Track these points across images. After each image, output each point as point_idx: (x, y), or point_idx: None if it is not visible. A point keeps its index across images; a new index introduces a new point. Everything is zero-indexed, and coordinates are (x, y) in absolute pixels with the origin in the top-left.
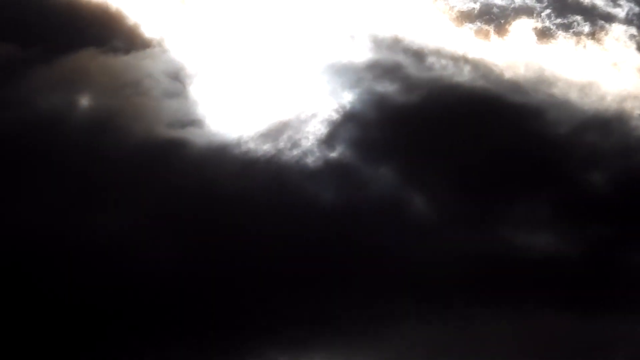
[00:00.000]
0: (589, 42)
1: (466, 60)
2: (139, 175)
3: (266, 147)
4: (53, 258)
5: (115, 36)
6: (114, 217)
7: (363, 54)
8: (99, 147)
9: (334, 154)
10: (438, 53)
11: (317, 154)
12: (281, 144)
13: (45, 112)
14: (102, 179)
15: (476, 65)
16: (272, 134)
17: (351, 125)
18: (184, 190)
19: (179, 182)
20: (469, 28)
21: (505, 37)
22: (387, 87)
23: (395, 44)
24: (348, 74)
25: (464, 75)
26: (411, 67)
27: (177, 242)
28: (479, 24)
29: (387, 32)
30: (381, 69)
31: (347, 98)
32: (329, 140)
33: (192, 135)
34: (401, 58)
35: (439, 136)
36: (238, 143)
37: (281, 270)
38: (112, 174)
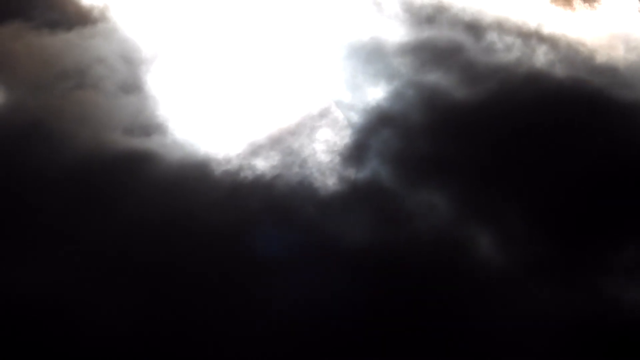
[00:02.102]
0: None
1: (540, 37)
2: (83, 203)
3: (262, 164)
4: None
5: (50, 6)
6: (46, 263)
7: (395, 30)
8: (25, 163)
9: (361, 175)
10: (500, 27)
11: (337, 174)
12: (284, 160)
13: None
14: (30, 207)
15: (555, 44)
16: (271, 145)
17: (386, 133)
18: (147, 224)
19: (139, 211)
20: None
21: (596, 5)
22: (435, 79)
23: (440, 15)
24: (378, 59)
25: (538, 59)
26: (465, 49)
27: (137, 297)
28: None
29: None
30: (423, 52)
31: (379, 94)
32: (353, 155)
33: (158, 145)
34: (449, 36)
35: (511, 149)
36: (223, 158)
37: (287, 343)
38: (43, 200)
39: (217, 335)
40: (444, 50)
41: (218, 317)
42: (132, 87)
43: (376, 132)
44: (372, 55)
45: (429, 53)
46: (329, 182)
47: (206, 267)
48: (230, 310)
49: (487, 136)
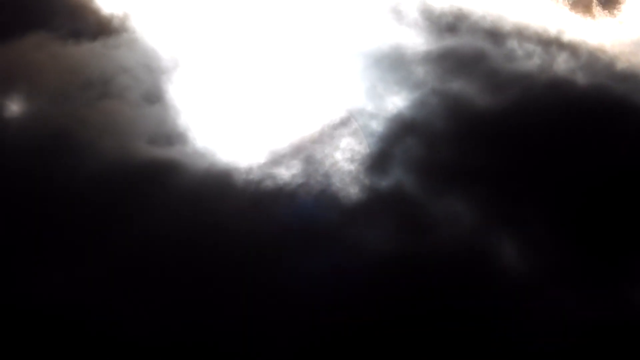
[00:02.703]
0: None
1: (561, 44)
2: (107, 212)
3: (285, 174)
4: None
5: (74, 16)
6: (70, 272)
7: (415, 38)
8: (50, 172)
9: (385, 183)
10: (520, 34)
11: (360, 182)
12: (307, 169)
13: None
14: (55, 217)
15: (575, 51)
16: (294, 154)
17: (409, 142)
18: (171, 233)
19: (163, 220)
20: None
21: (615, 12)
22: (458, 87)
23: (460, 23)
24: (400, 68)
25: (559, 66)
26: (487, 57)
27: (162, 306)
28: None
29: (445, 5)
30: (445, 60)
31: (401, 103)
32: (377, 164)
33: (182, 155)
34: (470, 44)
35: (534, 156)
36: (246, 167)
37: (312, 349)
38: (68, 210)
39: (243, 344)
40: (465, 58)
41: (243, 326)
42: (156, 96)
43: (399, 141)
44: (395, 64)
45: (451, 61)
46: (352, 190)
47: (231, 277)
48: (255, 319)
49: (510, 144)
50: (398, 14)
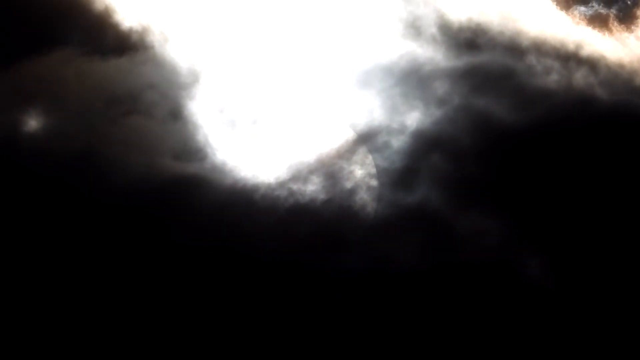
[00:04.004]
0: None
1: (579, 59)
2: (134, 228)
3: (311, 189)
4: None
5: (101, 32)
6: (97, 288)
7: (437, 54)
8: (77, 188)
9: (411, 199)
10: (538, 49)
11: (387, 198)
12: (331, 186)
13: None
14: (81, 232)
15: (595, 66)
16: (319, 170)
17: (437, 157)
18: (197, 249)
19: (189, 236)
20: (581, 13)
21: (634, 27)
22: (483, 103)
23: (478, 38)
24: (425, 83)
25: (579, 81)
26: (512, 73)
27: (188, 320)
28: (594, 5)
29: (462, 18)
30: (469, 76)
31: (427, 118)
32: (404, 180)
33: (207, 170)
34: (493, 59)
35: (563, 172)
36: (272, 183)
37: None
38: (94, 225)
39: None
40: (490, 74)
41: (267, 343)
42: (182, 112)
43: (426, 156)
44: (418, 80)
45: (475, 77)
46: (377, 206)
47: (255, 292)
48: (281, 333)
49: (535, 160)
50: (417, 30)
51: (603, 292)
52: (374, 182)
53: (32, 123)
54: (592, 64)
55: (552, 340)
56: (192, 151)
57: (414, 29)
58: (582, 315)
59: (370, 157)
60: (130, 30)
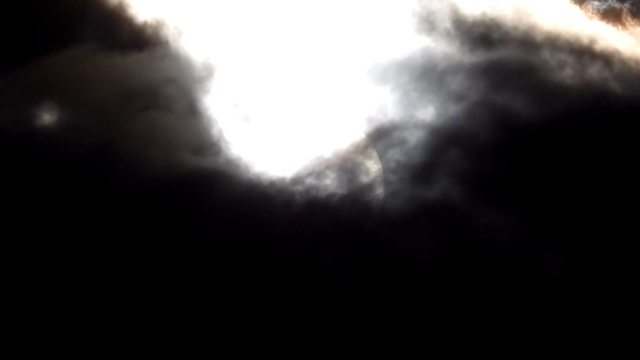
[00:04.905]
0: None
1: (593, 54)
2: (153, 224)
3: (331, 184)
4: None
5: (121, 27)
6: (117, 284)
7: (457, 49)
8: (96, 183)
9: (431, 194)
10: (552, 44)
11: (406, 193)
12: (351, 181)
13: (16, 134)
14: (101, 228)
15: (608, 60)
16: (338, 165)
17: (456, 153)
18: (217, 245)
19: (209, 232)
20: (595, 7)
21: None
22: (503, 99)
23: (493, 31)
24: (444, 79)
25: (591, 76)
26: (533, 68)
27: (209, 315)
28: (609, 0)
29: (477, 13)
30: (489, 72)
31: (447, 113)
32: (423, 175)
33: (227, 165)
34: (505, 52)
35: (582, 168)
36: (292, 178)
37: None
38: (114, 220)
39: (296, 349)
40: (505, 68)
41: (284, 338)
42: (201, 107)
43: (446, 152)
44: (435, 75)
45: (491, 72)
46: (397, 202)
47: (274, 287)
48: (300, 328)
49: (555, 155)
50: (431, 25)
51: (620, 287)
52: (391, 178)
53: (52, 118)
54: (606, 59)
55: (568, 334)
56: (210, 146)
57: (428, 23)
58: (600, 311)
59: (386, 152)
60: (151, 26)
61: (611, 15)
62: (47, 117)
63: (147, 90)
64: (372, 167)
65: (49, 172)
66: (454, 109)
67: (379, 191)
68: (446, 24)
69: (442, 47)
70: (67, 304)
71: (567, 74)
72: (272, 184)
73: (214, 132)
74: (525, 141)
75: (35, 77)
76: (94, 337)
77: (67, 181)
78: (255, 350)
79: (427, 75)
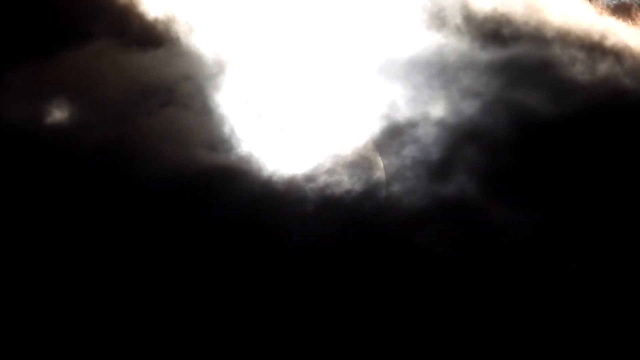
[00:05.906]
0: None
1: (603, 49)
2: (169, 219)
3: (348, 181)
4: None
5: (138, 24)
6: (132, 277)
7: (471, 46)
8: (113, 178)
9: (448, 191)
10: (562, 40)
11: (423, 190)
12: (368, 177)
13: (33, 130)
14: (117, 222)
15: (619, 56)
16: (354, 161)
17: (473, 150)
18: (231, 240)
19: (224, 227)
20: (604, 3)
21: None
22: (520, 96)
23: (504, 27)
24: (462, 76)
25: (602, 71)
26: (550, 65)
27: (222, 309)
28: None
29: (487, 9)
30: (506, 69)
31: (464, 110)
32: (440, 171)
33: (243, 161)
34: (516, 48)
35: (600, 163)
36: (308, 175)
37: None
38: (130, 215)
39: (308, 346)
40: (517, 64)
41: (304, 335)
42: (214, 104)
43: (463, 148)
44: (446, 71)
45: (503, 68)
46: (415, 197)
47: (292, 282)
48: (319, 323)
49: (573, 152)
50: (441, 21)
51: (637, 284)
52: (407, 174)
53: (68, 114)
54: (616, 54)
55: (584, 331)
56: (225, 142)
57: (439, 20)
58: (615, 308)
59: (402, 149)
60: (169, 23)
61: (621, 10)
62: (63, 113)
63: (163, 87)
64: (386, 164)
65: (65, 167)
66: (467, 106)
67: (394, 188)
68: (457, 20)
69: (454, 44)
70: (83, 296)
71: (579, 70)
72: (286, 181)
73: (229, 129)
74: (540, 138)
75: (52, 73)
76: (111, 328)
77: (84, 177)
78: (263, 341)
79: (439, 72)
